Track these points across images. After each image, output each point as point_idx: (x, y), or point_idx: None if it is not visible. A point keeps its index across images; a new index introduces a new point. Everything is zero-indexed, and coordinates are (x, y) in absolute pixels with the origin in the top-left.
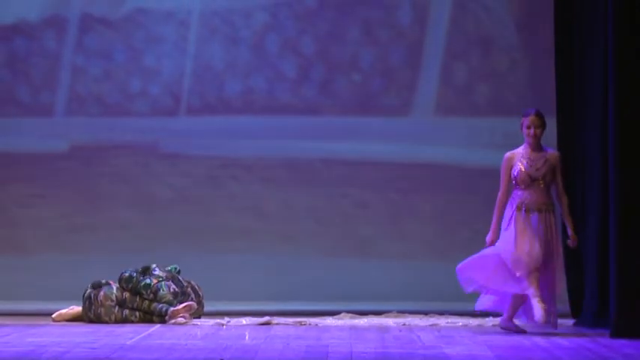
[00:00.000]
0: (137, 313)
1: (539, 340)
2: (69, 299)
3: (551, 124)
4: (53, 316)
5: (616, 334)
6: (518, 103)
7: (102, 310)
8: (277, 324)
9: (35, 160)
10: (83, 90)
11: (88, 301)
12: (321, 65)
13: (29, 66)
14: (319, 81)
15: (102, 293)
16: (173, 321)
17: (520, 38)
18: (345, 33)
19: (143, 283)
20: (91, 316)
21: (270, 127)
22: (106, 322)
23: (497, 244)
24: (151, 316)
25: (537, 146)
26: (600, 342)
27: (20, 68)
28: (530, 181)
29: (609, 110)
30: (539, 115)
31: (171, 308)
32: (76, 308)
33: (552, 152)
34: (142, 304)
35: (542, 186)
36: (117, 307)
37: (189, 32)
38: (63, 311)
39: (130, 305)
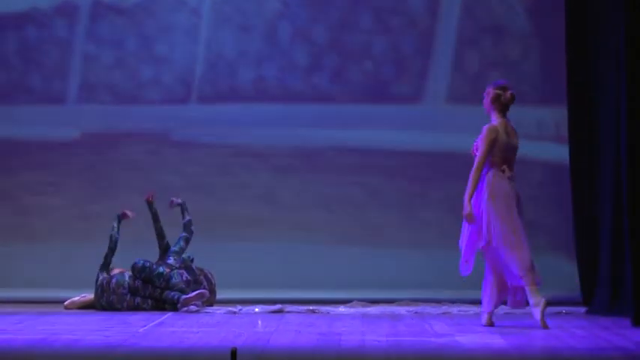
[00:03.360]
0: (149, 301)
1: (553, 328)
2: (81, 287)
3: (563, 112)
4: (65, 303)
5: (637, 322)
6: (530, 90)
7: (114, 298)
8: (289, 312)
9: (47, 148)
10: (94, 78)
11: (101, 289)
12: (333, 53)
13: (41, 54)
14: (331, 69)
15: (114, 281)
16: (185, 309)
17: (532, 25)
18: (356, 21)
19: (156, 272)
20: (103, 303)
21: (282, 116)
22: (118, 310)
23: None
24: (163, 304)
25: None
26: (614, 330)
27: (32, 56)
28: None
29: (622, 99)
30: None
31: (184, 296)
32: (88, 296)
33: None
34: (154, 292)
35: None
36: (129, 295)
37: (201, 20)
38: (75, 299)
39: (143, 293)
